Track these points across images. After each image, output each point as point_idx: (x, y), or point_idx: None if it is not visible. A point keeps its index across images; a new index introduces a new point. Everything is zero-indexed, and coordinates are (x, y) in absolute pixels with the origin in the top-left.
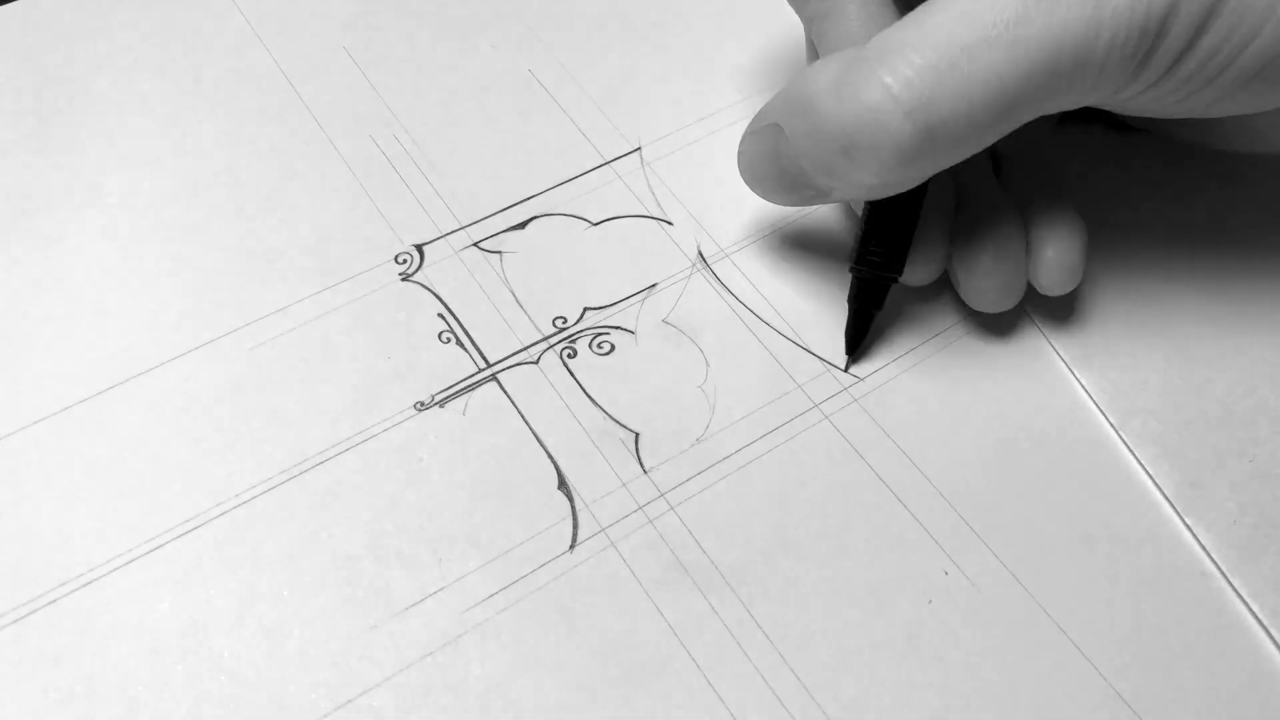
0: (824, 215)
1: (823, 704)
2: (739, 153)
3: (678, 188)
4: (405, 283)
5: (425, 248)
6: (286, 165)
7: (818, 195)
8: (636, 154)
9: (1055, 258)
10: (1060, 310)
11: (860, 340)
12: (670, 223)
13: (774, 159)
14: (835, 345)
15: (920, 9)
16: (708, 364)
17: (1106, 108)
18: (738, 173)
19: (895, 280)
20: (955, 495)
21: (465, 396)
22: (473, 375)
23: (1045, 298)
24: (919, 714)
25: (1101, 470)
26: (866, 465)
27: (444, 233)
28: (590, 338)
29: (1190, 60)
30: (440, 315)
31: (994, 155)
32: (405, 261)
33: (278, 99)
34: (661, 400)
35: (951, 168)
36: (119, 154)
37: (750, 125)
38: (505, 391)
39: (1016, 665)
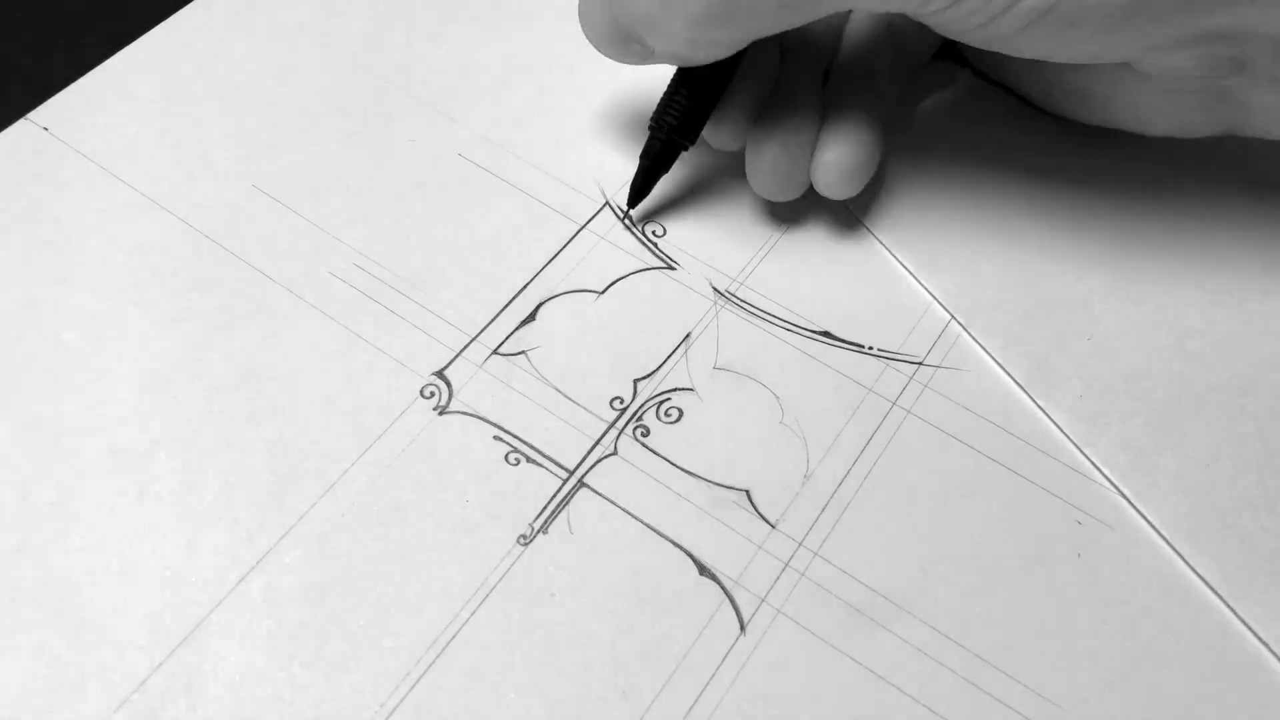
0: (821, 216)
1: (1038, 688)
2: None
3: (664, 232)
4: (444, 415)
5: (446, 372)
6: (262, 343)
7: (644, 54)
8: (607, 209)
9: (833, 160)
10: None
11: (642, 196)
12: (674, 266)
13: (607, 7)
14: (878, 335)
15: None
16: (777, 397)
17: (917, 19)
18: (716, 193)
19: (685, 147)
20: (1050, 447)
21: (563, 513)
22: (560, 489)
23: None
24: (1117, 663)
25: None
26: (964, 445)
27: (457, 350)
28: (654, 409)
29: None
30: (497, 438)
31: (831, 69)
32: (433, 394)
33: (213, 269)
34: (752, 448)
35: (781, 59)
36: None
37: None
38: (600, 494)
39: (1167, 597)
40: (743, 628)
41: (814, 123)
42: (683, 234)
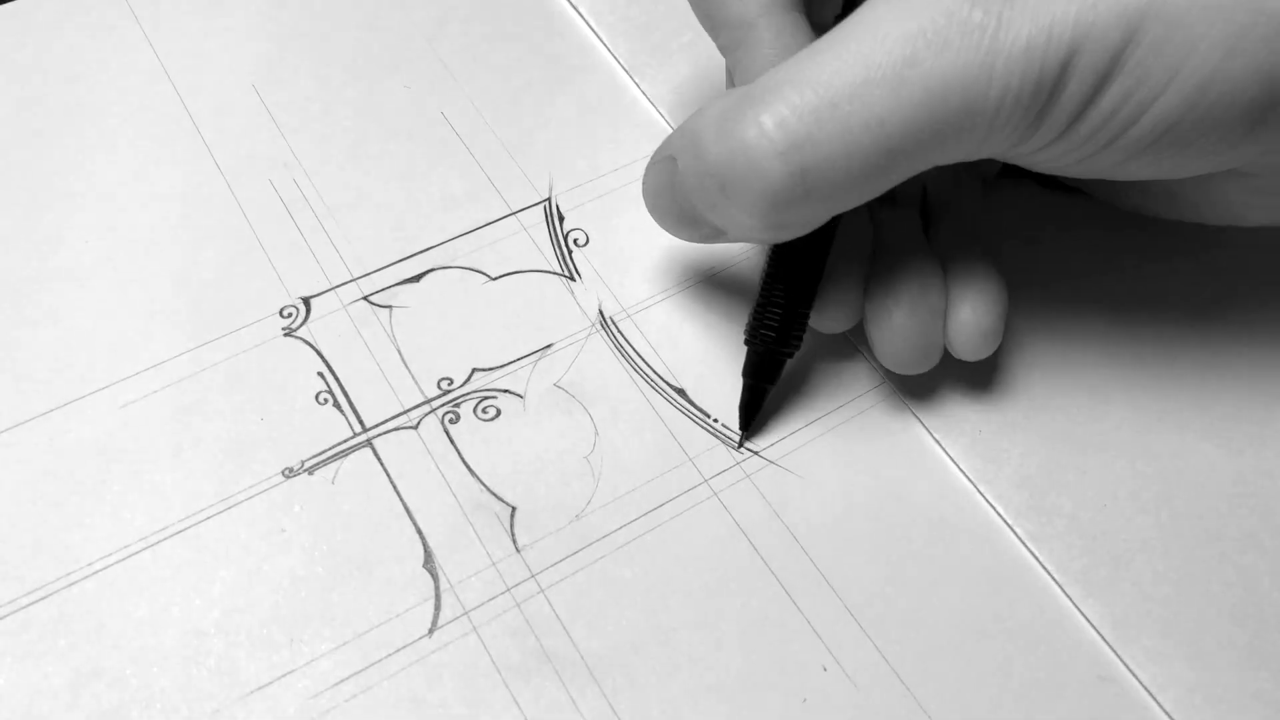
0: (734, 273)
1: None
2: (642, 184)
3: (586, 241)
4: (288, 338)
5: (313, 300)
6: (179, 211)
7: (715, 234)
8: (543, 205)
9: (972, 320)
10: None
11: (754, 416)
12: (574, 279)
13: (670, 192)
14: (734, 415)
15: (811, 47)
16: (597, 433)
17: (1009, 161)
18: (650, 225)
19: (789, 356)
20: (843, 584)
21: (336, 463)
22: (346, 440)
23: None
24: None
25: (1000, 562)
26: (752, 548)
27: (334, 284)
28: (476, 401)
29: (1090, 118)
30: (320, 374)
31: (923, 210)
32: (290, 315)
33: (180, 139)
34: (544, 471)
35: (872, 216)
36: None
37: (652, 156)
38: (379, 459)
39: None
40: (432, 630)
41: (937, 280)
42: (602, 249)
